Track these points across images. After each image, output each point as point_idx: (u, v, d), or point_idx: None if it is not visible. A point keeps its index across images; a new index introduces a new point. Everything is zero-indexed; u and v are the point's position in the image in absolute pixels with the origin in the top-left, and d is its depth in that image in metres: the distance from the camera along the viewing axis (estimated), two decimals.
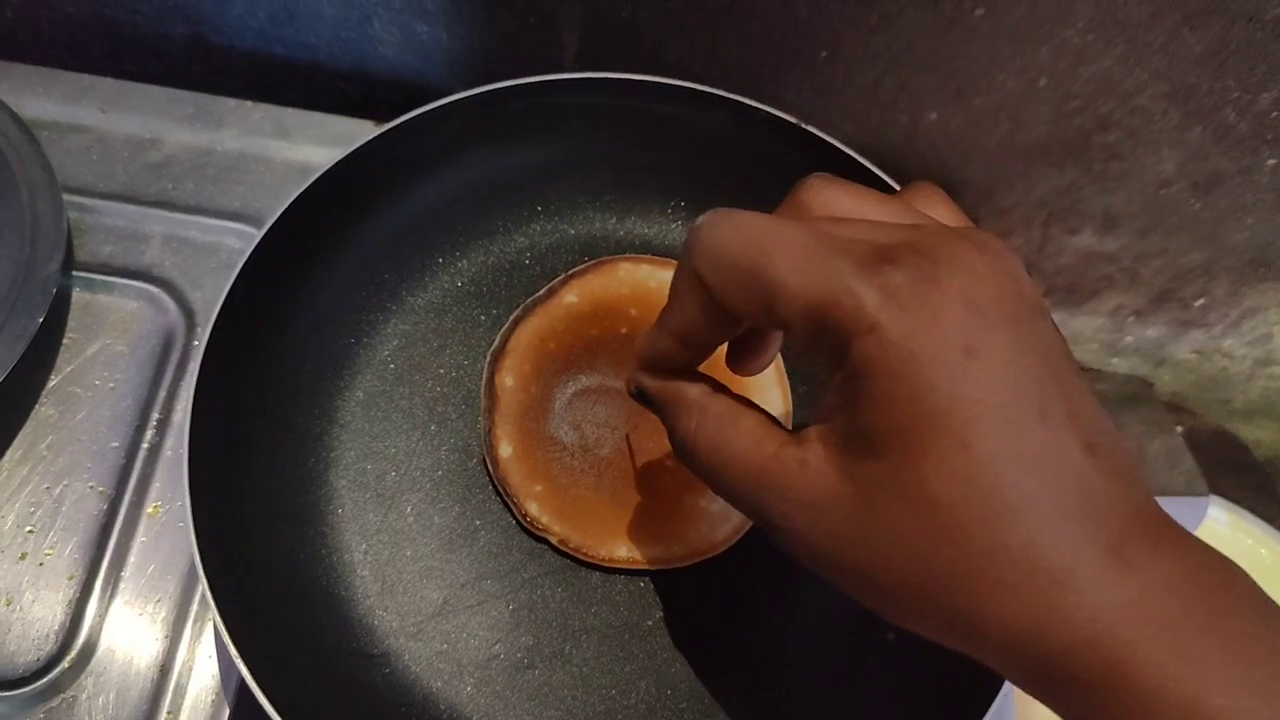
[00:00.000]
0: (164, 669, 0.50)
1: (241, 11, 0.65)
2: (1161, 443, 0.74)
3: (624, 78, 0.55)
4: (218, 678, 0.50)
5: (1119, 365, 0.79)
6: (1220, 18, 0.52)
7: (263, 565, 0.47)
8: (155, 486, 0.54)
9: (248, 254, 0.49)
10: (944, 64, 0.59)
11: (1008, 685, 0.46)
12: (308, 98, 0.67)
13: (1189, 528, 0.67)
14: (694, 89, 0.55)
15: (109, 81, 0.64)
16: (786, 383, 0.55)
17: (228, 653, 0.41)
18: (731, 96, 0.55)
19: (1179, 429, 0.76)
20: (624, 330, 0.54)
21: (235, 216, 0.61)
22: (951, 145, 0.65)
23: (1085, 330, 0.76)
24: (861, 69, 0.61)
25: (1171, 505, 0.67)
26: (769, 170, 0.56)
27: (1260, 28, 0.53)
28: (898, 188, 0.53)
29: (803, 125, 0.54)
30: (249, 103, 0.65)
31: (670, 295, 0.34)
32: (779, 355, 0.55)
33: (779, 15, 0.58)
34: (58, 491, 0.53)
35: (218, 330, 0.48)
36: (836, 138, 0.55)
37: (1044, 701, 0.27)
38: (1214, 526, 0.68)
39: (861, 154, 0.55)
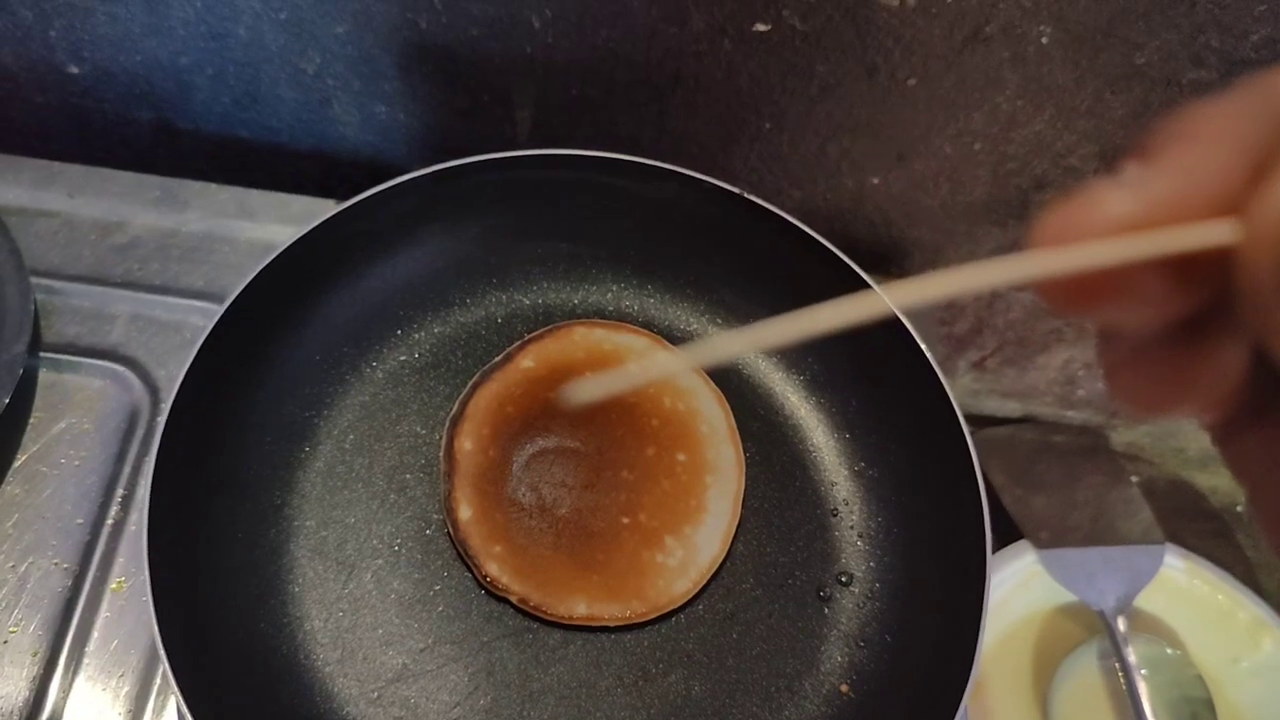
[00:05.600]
0: None
1: (206, 97, 0.67)
2: (1118, 493, 0.75)
3: (573, 153, 0.57)
4: None
5: (1074, 417, 0.80)
6: (1139, 82, 0.55)
7: (224, 636, 0.48)
8: (119, 562, 0.54)
9: (208, 330, 0.50)
10: (883, 131, 0.62)
11: None
12: (272, 178, 0.68)
13: (1147, 575, 0.68)
14: (640, 163, 0.57)
15: (77, 167, 0.66)
16: (739, 440, 0.56)
17: None
18: (677, 169, 0.57)
19: (1135, 479, 0.77)
20: None
21: (200, 295, 0.63)
22: (896, 208, 0.67)
23: (1039, 384, 0.78)
24: (805, 137, 0.63)
25: (1129, 553, 0.69)
26: (716, 238, 0.58)
27: (1179, 90, 0.55)
28: (840, 254, 0.55)
29: (745, 195, 0.56)
30: (214, 185, 0.67)
31: None
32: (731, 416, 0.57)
33: (722, 89, 0.60)
34: (23, 569, 0.54)
35: (178, 405, 0.49)
36: (785, 204, 0.57)
37: None
38: (1171, 574, 0.70)
39: (811, 219, 0.57)
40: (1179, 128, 0.20)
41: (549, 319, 0.60)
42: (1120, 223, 0.19)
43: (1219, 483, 0.82)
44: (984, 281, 0.20)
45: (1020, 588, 0.69)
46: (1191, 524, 0.80)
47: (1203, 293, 0.20)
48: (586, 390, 0.21)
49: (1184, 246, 0.19)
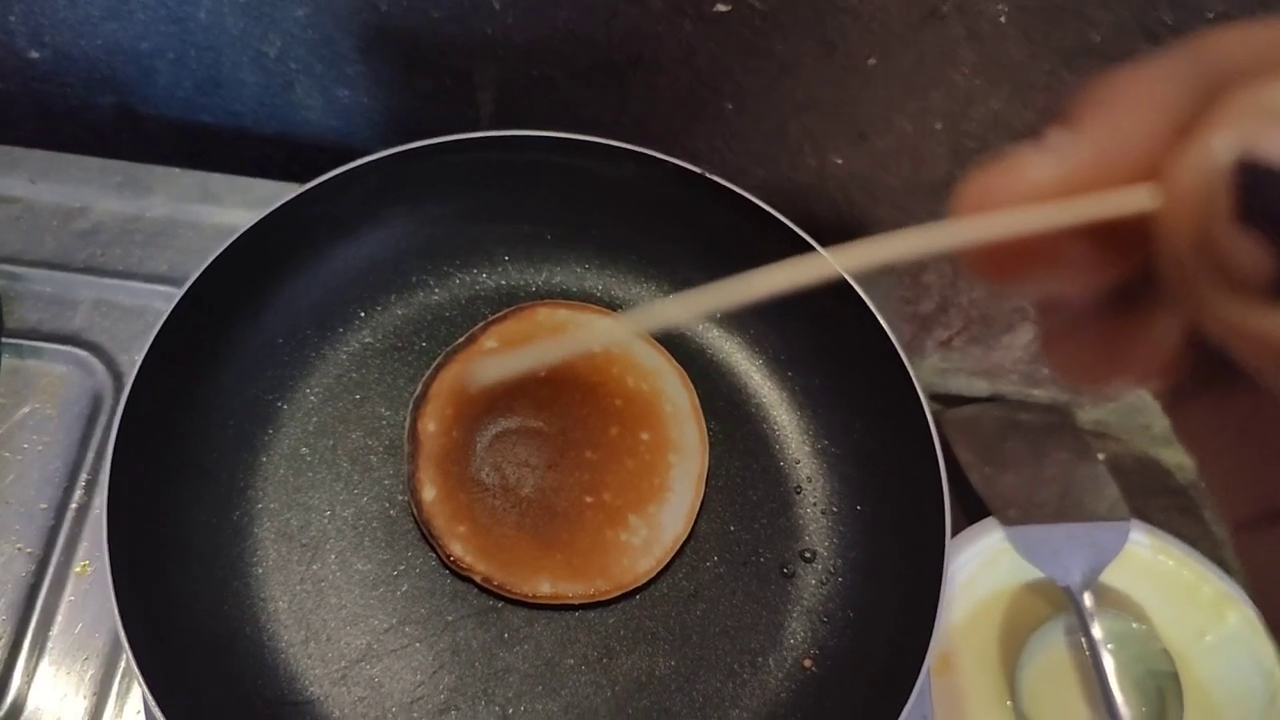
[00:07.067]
0: None
1: (167, 81, 0.67)
2: (1085, 469, 0.76)
3: (535, 135, 0.57)
4: None
5: (1040, 395, 0.81)
6: (1095, 59, 0.55)
7: (187, 619, 0.48)
8: (84, 545, 0.54)
9: (166, 314, 0.50)
10: (844, 109, 0.62)
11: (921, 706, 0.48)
12: (235, 163, 0.68)
13: (1112, 551, 0.69)
14: (602, 143, 0.57)
15: (38, 153, 0.66)
16: (702, 418, 0.57)
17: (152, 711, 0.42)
18: (639, 149, 0.57)
19: (1101, 456, 0.78)
20: (543, 373, 0.56)
21: (164, 280, 0.62)
22: (859, 186, 0.67)
23: (1004, 362, 0.79)
24: (766, 117, 0.63)
25: (1095, 529, 0.70)
26: (679, 218, 0.58)
27: None
28: (801, 233, 0.55)
29: (708, 175, 0.56)
30: (177, 169, 0.66)
31: None
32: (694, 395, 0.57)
33: (683, 69, 0.61)
34: None
35: (137, 388, 0.49)
36: (748, 183, 0.57)
37: None
38: (1136, 550, 0.70)
39: (773, 198, 0.57)
40: (1104, 92, 0.19)
41: (512, 300, 0.60)
42: (1043, 189, 0.19)
43: (1185, 459, 0.83)
44: (904, 250, 0.19)
45: (987, 565, 0.70)
46: (1157, 500, 0.81)
47: (1131, 260, 0.20)
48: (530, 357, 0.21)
49: (1106, 213, 0.18)
